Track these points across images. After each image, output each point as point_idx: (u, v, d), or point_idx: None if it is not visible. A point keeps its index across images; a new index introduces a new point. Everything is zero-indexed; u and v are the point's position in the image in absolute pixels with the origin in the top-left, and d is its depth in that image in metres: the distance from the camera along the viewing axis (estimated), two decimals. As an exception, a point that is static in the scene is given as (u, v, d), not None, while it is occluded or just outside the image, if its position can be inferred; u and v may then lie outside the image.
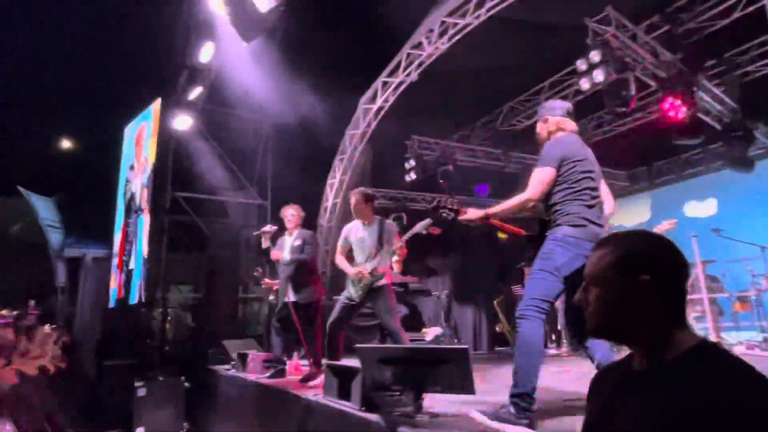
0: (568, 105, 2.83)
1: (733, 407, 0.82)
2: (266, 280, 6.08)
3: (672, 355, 0.98)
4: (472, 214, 2.67)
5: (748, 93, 6.81)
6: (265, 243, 4.65)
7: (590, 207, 2.53)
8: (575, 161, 2.56)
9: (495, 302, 8.65)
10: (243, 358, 5.09)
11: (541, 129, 2.80)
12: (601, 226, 2.54)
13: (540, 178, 2.57)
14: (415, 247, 8.77)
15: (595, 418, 1.08)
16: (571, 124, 2.76)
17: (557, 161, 2.56)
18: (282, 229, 4.87)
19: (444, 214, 2.78)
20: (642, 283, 1.00)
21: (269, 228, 4.65)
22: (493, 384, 4.19)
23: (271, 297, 6.33)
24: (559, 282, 2.44)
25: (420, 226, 4.12)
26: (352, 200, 4.09)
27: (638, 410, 0.94)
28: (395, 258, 7.87)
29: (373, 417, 2.58)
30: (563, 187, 2.56)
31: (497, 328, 8.81)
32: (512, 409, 2.32)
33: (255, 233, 4.72)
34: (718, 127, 6.91)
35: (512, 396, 2.36)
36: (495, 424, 2.29)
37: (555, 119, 2.75)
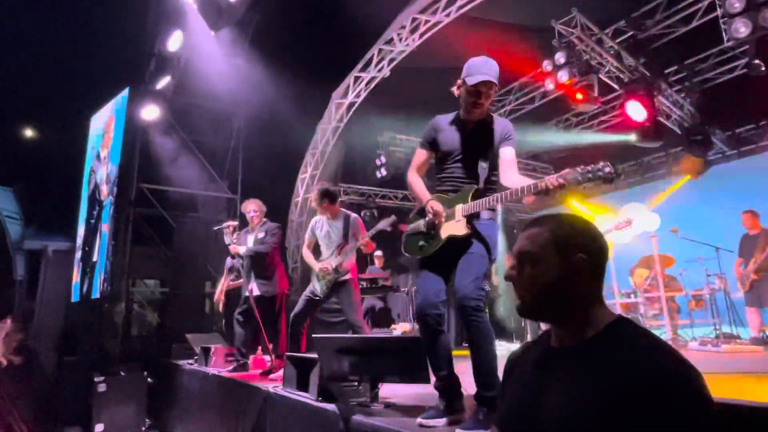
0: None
1: (653, 377, 0.87)
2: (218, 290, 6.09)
3: (594, 330, 1.02)
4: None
5: (706, 99, 7.08)
6: (228, 238, 4.58)
7: None
8: None
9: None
10: (206, 351, 5.03)
11: (488, 94, 2.37)
12: None
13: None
14: (385, 244, 8.84)
15: (520, 399, 1.09)
16: None
17: None
18: (244, 224, 4.83)
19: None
20: (579, 261, 1.04)
21: (231, 222, 4.61)
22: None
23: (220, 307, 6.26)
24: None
25: (384, 223, 4.13)
26: (312, 196, 4.11)
27: (568, 385, 0.97)
28: (378, 253, 7.89)
29: (329, 407, 2.60)
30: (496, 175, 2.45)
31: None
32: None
33: (215, 228, 4.65)
34: (678, 131, 7.15)
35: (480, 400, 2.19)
36: None
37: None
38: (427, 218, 2.41)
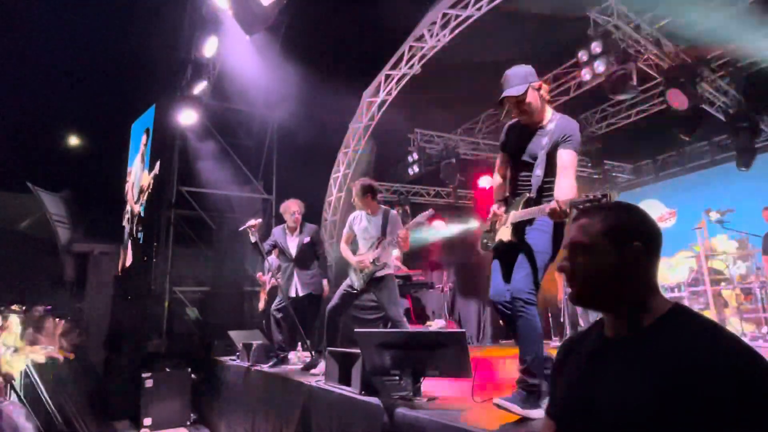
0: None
1: (717, 364, 0.86)
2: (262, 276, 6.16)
3: (651, 319, 1.01)
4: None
5: (752, 84, 6.76)
6: (253, 238, 4.57)
7: None
8: None
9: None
10: (247, 348, 5.15)
11: (534, 98, 2.43)
12: None
13: (575, 165, 2.36)
14: (420, 241, 8.84)
15: (575, 390, 1.08)
16: None
17: None
18: (278, 221, 4.87)
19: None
20: (634, 250, 1.03)
21: (254, 221, 4.59)
22: (497, 371, 4.24)
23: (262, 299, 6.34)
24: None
25: (422, 217, 4.14)
26: (353, 191, 4.14)
27: (625, 375, 0.96)
28: (396, 253, 7.93)
29: (373, 400, 2.63)
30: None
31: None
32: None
33: (240, 228, 4.67)
34: (722, 118, 6.87)
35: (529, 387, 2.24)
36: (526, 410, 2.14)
37: (539, 84, 2.45)
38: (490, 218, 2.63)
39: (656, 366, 0.91)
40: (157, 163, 8.52)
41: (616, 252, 1.04)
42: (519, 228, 2.44)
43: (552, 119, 2.49)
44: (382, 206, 4.22)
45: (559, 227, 2.41)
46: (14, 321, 4.89)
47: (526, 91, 2.39)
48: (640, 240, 1.04)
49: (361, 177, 8.73)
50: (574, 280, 1.10)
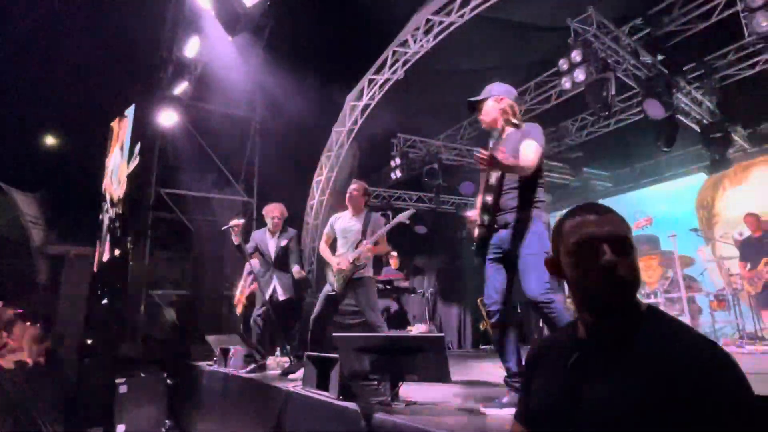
0: (515, 91, 2.84)
1: (702, 364, 0.88)
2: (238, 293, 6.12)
3: (632, 319, 1.01)
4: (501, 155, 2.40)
5: (726, 96, 6.95)
6: (236, 239, 4.53)
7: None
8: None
9: (479, 301, 8.72)
10: (225, 353, 5.07)
11: (493, 110, 2.73)
12: None
13: (539, 152, 2.52)
14: (402, 246, 8.83)
15: (552, 396, 1.06)
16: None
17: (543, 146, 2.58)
18: (260, 225, 4.84)
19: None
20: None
21: (237, 221, 4.54)
22: (475, 377, 4.24)
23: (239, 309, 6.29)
24: None
25: (403, 216, 4.13)
26: (353, 186, 4.15)
27: (610, 378, 0.96)
28: (394, 254, 7.91)
29: (350, 405, 2.60)
30: (540, 175, 2.60)
31: (481, 326, 8.87)
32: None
33: (223, 228, 4.62)
34: (697, 129, 7.04)
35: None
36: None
37: (511, 103, 2.75)
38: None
39: (642, 367, 0.91)
40: (137, 148, 8.37)
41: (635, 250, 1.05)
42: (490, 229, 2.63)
43: (514, 130, 2.70)
44: (366, 208, 4.21)
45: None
46: None
47: (483, 101, 2.77)
48: None
49: (343, 181, 8.77)
50: (622, 277, 1.00)
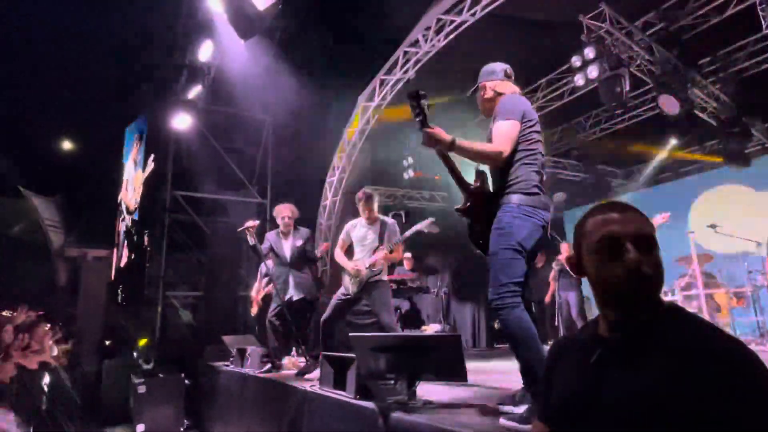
0: (506, 66, 2.57)
1: (725, 359, 0.88)
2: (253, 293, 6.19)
3: (654, 315, 1.01)
4: (440, 133, 2.26)
5: (744, 90, 6.84)
6: (251, 240, 4.57)
7: (538, 173, 2.32)
8: (531, 120, 2.33)
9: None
10: (242, 353, 5.12)
11: (481, 102, 2.57)
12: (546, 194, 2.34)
13: (508, 131, 2.25)
14: (414, 245, 8.84)
15: (573, 392, 1.07)
16: (513, 87, 2.53)
17: (520, 115, 2.29)
18: (273, 227, 4.87)
19: (415, 112, 2.33)
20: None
21: (252, 222, 4.57)
22: (491, 375, 4.24)
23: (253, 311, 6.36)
24: (523, 259, 2.21)
25: (422, 225, 4.16)
26: (361, 195, 4.16)
27: (632, 374, 0.96)
28: (407, 255, 7.92)
29: (368, 405, 2.62)
30: (518, 149, 2.29)
31: (496, 325, 8.84)
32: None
33: (239, 229, 4.66)
34: (714, 123, 6.94)
35: (534, 394, 2.15)
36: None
37: (493, 83, 2.53)
38: None
39: (665, 362, 0.92)
40: (151, 157, 8.48)
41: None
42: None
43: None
44: (380, 216, 4.25)
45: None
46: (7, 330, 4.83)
47: (477, 87, 2.59)
48: None
49: (356, 181, 8.79)
50: (647, 275, 1.00)
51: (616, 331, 1.05)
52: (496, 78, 2.54)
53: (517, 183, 2.26)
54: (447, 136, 2.26)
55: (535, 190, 2.27)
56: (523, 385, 2.26)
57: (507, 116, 2.29)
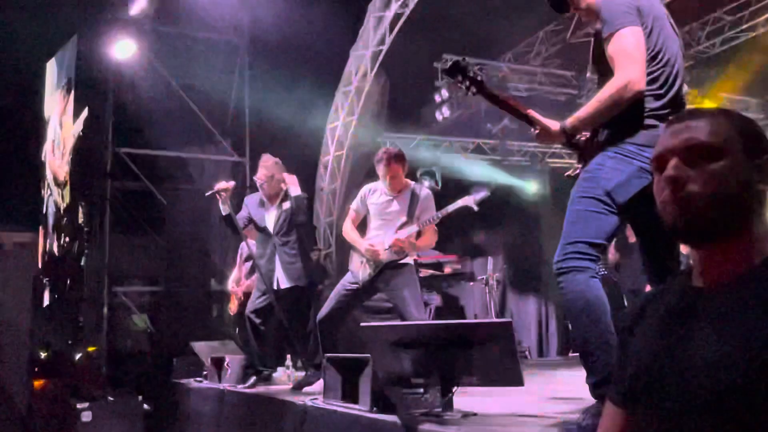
0: None
1: None
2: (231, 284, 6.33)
3: (756, 260, 1.06)
4: (540, 121, 2.44)
5: None
6: (224, 208, 4.64)
7: (659, 95, 2.30)
8: (652, 20, 2.31)
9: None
10: (217, 363, 5.29)
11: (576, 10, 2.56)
12: None
13: (634, 43, 2.23)
14: (454, 218, 8.86)
15: (654, 354, 1.13)
16: None
17: (635, 14, 2.27)
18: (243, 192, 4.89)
19: (471, 89, 2.54)
20: (764, 166, 1.08)
21: (225, 184, 4.65)
22: (558, 386, 4.32)
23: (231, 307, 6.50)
24: (609, 215, 2.25)
25: (470, 199, 4.14)
26: (382, 155, 4.15)
27: (723, 329, 1.01)
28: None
29: (389, 418, 2.70)
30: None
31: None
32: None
33: (207, 194, 4.71)
34: None
35: (595, 388, 2.19)
36: None
37: None
38: None
39: (762, 317, 0.96)
40: (85, 110, 8.59)
41: (748, 164, 1.07)
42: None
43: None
44: (413, 183, 4.28)
45: None
46: None
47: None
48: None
49: (368, 128, 8.77)
50: (692, 193, 1.05)
51: (714, 277, 1.10)
52: None
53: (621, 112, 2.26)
54: (552, 125, 2.39)
55: (651, 120, 2.26)
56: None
57: (619, 23, 2.25)
